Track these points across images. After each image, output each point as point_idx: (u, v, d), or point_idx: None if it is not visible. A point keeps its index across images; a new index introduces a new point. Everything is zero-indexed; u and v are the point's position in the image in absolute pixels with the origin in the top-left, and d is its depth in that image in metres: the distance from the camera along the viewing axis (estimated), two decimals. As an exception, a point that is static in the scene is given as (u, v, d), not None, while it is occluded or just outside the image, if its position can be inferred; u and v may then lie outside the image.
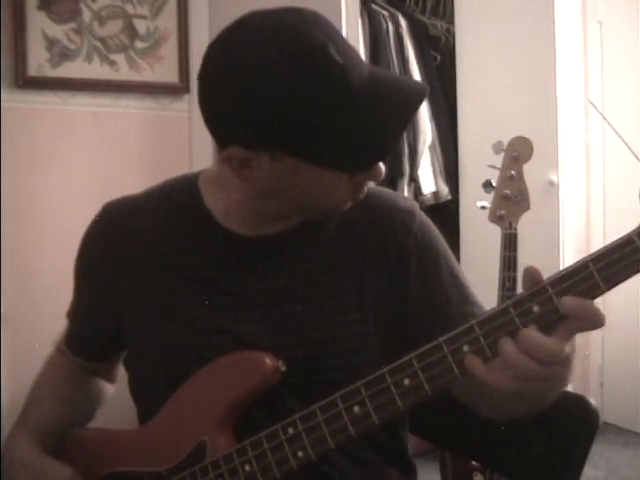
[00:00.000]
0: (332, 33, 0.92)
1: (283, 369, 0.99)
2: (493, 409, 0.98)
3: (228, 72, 0.92)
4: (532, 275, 0.81)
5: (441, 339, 0.84)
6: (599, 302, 0.79)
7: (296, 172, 0.94)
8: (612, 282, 0.77)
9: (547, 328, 0.80)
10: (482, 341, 0.82)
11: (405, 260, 1.07)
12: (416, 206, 1.12)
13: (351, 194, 1.00)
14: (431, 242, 1.09)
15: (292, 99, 0.89)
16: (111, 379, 1.24)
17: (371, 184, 1.05)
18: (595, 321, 0.78)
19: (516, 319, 0.80)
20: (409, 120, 0.98)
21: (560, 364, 0.80)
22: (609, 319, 0.81)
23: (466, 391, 1.00)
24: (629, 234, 0.77)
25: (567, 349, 0.79)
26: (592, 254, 0.78)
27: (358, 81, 0.91)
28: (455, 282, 1.08)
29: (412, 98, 0.95)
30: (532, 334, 0.79)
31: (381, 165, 0.97)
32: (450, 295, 1.06)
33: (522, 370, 0.79)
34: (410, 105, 0.95)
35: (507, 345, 0.80)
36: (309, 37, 0.89)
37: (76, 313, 1.19)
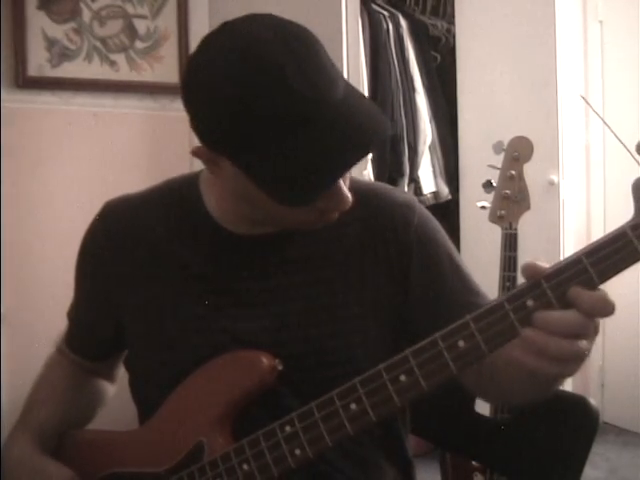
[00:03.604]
0: (300, 52, 0.87)
1: (280, 368, 0.99)
2: (502, 394, 0.97)
3: (189, 79, 0.93)
4: (529, 272, 0.80)
5: (437, 335, 0.84)
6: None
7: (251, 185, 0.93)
8: (606, 275, 0.77)
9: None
10: (477, 336, 0.82)
11: (406, 254, 1.07)
12: (415, 200, 1.13)
13: (316, 219, 0.98)
14: (431, 234, 1.09)
15: (235, 111, 0.87)
16: (111, 379, 1.25)
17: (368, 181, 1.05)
18: (606, 311, 0.78)
19: (510, 314, 0.80)
20: (351, 163, 0.90)
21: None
22: (609, 319, 0.81)
23: (476, 379, 1.00)
24: (622, 227, 0.77)
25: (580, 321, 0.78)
26: (585, 248, 0.78)
27: (312, 108, 0.86)
28: (457, 273, 1.08)
29: (364, 140, 0.89)
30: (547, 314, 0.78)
31: (346, 193, 0.95)
32: (453, 286, 1.07)
33: (545, 347, 0.78)
34: (359, 148, 0.89)
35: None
36: (265, 55, 0.87)
37: (76, 312, 1.19)
